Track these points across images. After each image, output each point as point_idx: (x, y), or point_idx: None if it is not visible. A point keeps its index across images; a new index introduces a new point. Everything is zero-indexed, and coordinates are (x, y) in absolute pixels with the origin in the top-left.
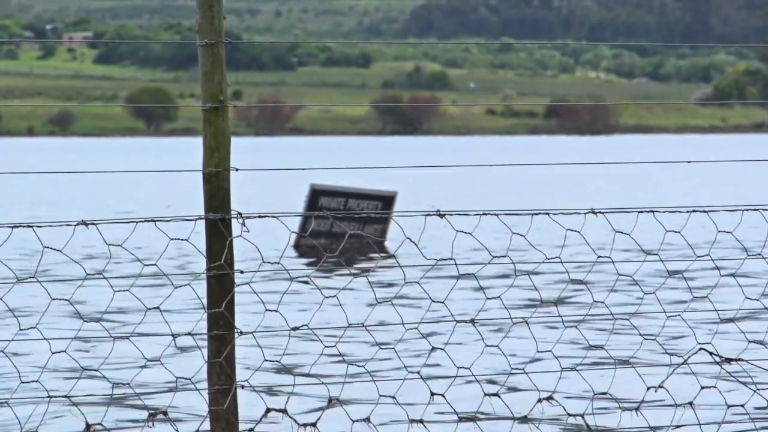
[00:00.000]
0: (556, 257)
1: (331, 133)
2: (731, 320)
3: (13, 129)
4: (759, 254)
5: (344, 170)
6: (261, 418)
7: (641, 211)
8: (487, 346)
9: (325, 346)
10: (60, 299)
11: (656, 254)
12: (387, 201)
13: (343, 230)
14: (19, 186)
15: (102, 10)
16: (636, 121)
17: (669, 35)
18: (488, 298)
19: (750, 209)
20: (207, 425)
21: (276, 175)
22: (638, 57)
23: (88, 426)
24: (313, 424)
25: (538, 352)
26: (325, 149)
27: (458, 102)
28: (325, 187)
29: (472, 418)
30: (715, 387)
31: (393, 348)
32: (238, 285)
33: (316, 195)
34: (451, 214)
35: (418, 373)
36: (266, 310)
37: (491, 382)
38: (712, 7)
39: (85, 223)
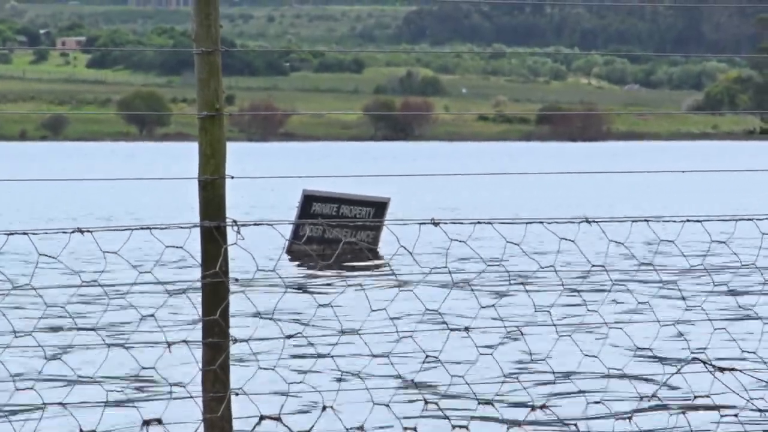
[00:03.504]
0: (550, 266)
1: (323, 139)
2: (724, 329)
3: (6, 133)
4: (753, 263)
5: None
6: (255, 426)
7: (635, 221)
8: (481, 354)
9: (319, 354)
10: (55, 305)
11: (650, 263)
12: (379, 207)
13: (336, 236)
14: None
15: (95, 14)
16: (628, 127)
17: (661, 42)
18: (482, 307)
19: (744, 219)
20: None
21: (269, 180)
22: (630, 64)
23: None
24: None
25: (531, 361)
26: (318, 154)
27: (450, 107)
28: (318, 193)
29: (465, 426)
30: (708, 396)
31: (387, 356)
32: (232, 293)
33: (308, 201)
34: (445, 223)
35: (412, 381)
36: (260, 317)
37: (485, 390)
38: (704, 14)
39: (80, 231)
